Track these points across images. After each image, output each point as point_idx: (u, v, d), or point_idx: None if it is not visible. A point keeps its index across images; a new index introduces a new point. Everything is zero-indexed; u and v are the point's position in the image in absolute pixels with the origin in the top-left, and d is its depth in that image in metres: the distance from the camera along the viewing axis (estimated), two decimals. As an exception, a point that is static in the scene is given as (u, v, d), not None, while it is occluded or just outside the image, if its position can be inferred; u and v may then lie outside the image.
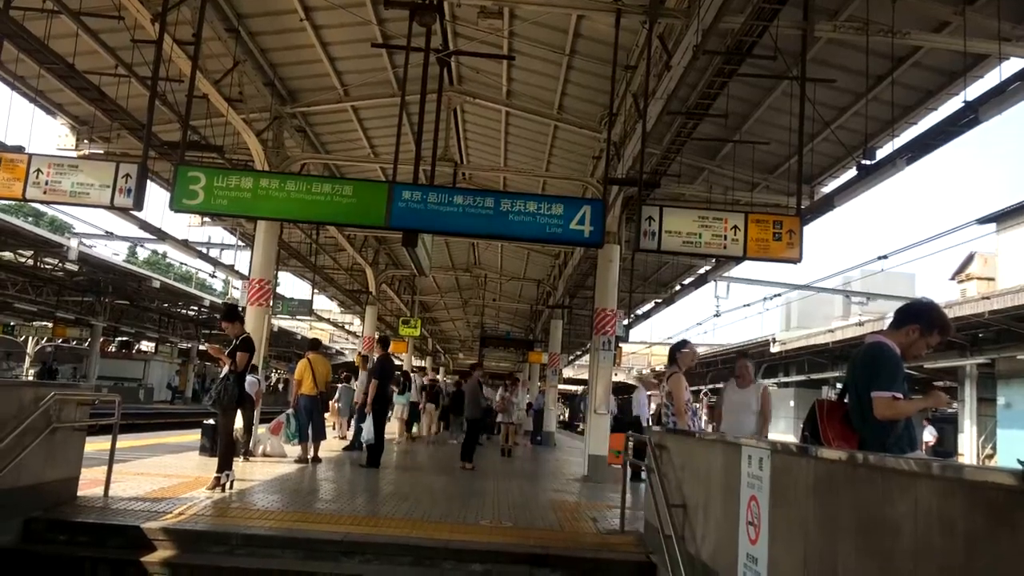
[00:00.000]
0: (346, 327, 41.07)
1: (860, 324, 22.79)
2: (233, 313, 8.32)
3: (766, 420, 6.91)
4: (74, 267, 24.12)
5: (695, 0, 7.41)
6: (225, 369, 7.90)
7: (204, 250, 19.56)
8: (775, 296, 23.79)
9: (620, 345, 17.78)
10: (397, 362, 21.93)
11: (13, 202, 9.28)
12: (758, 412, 6.95)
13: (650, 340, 44.14)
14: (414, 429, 19.28)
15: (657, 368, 39.82)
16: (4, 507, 5.64)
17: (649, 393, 15.76)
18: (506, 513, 7.91)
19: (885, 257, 16.11)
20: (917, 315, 3.82)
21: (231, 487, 7.79)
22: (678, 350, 6.99)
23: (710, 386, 37.55)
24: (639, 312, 23.60)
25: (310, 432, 11.30)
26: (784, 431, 30.80)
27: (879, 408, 3.53)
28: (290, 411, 11.48)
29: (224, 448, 7.98)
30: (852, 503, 2.80)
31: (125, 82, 10.57)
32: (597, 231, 7.37)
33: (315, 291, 23.83)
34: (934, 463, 2.36)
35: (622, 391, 33.72)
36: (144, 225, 14.45)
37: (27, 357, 36.14)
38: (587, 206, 7.46)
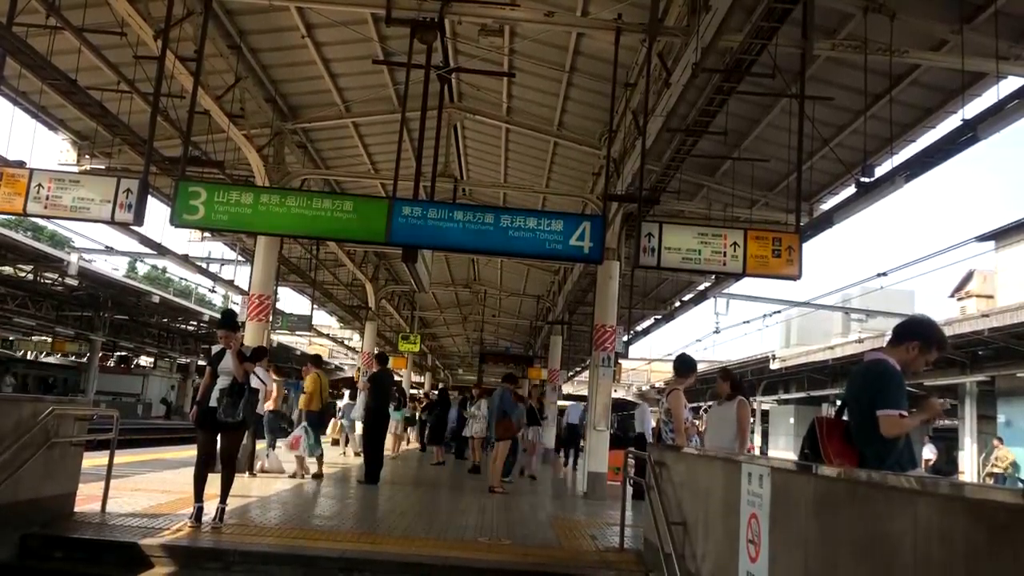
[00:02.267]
0: (345, 343, 41.01)
1: (860, 341, 22.76)
2: (231, 321, 7.25)
3: (742, 435, 6.76)
4: (74, 282, 24.09)
5: (694, 18, 7.45)
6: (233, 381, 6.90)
7: (204, 265, 19.61)
8: (775, 313, 23.81)
9: (620, 361, 17.74)
10: (397, 378, 21.86)
11: (14, 216, 9.29)
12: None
13: (650, 356, 44.13)
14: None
15: (657, 384, 39.70)
16: (1, 522, 5.61)
17: (651, 409, 15.68)
18: (504, 530, 7.86)
19: (884, 274, 16.06)
20: (917, 332, 3.83)
21: (221, 519, 6.99)
22: (694, 369, 7.03)
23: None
24: (639, 328, 23.60)
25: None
26: (784, 448, 30.71)
27: (887, 426, 3.52)
28: (305, 424, 11.45)
29: (227, 475, 7.05)
30: (853, 521, 2.79)
31: (127, 98, 10.60)
32: (596, 247, 7.38)
33: (314, 306, 23.80)
34: (935, 481, 2.36)
35: (621, 408, 33.67)
36: (144, 240, 14.46)
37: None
38: (587, 222, 7.47)
